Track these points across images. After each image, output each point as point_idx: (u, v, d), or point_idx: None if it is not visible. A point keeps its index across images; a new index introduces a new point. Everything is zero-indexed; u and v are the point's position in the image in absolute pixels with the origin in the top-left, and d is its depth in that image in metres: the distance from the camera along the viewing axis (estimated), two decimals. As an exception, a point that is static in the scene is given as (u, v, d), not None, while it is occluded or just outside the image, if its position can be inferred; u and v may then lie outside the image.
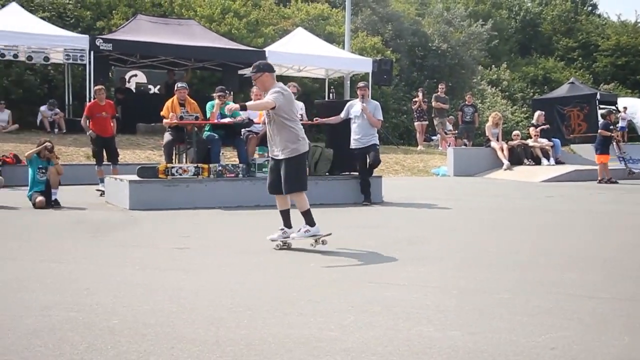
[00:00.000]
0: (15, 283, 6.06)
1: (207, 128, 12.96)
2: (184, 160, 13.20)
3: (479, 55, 38.20)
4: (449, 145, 24.13)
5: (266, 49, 23.61)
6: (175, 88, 13.47)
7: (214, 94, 13.20)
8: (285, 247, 7.99)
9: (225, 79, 23.19)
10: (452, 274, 6.62)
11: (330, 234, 7.91)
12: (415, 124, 25.91)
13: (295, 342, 4.35)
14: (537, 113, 23.48)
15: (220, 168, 12.33)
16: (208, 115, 12.94)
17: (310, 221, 7.84)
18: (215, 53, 22.99)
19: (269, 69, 8.07)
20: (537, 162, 21.22)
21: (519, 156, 21.10)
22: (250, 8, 31.09)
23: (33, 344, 4.28)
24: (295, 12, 33.22)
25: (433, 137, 27.76)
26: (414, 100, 26.12)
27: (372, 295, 5.63)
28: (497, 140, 21.39)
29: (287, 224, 8.04)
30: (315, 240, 7.86)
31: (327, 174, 13.26)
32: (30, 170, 12.27)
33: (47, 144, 12.30)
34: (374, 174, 13.29)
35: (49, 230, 9.54)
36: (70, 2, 26.84)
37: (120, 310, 5.12)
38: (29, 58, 21.18)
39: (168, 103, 13.14)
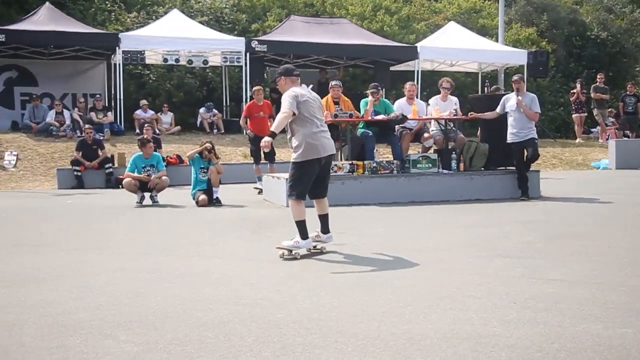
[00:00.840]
0: (184, 278, 6.37)
1: (361, 125, 13.06)
2: (339, 157, 13.36)
3: (643, 42, 36.45)
4: (608, 138, 23.22)
5: (418, 45, 23.57)
6: (330, 86, 13.65)
7: (368, 91, 13.28)
8: (318, 250, 7.72)
9: (378, 75, 23.29)
10: (618, 270, 6.38)
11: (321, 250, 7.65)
12: (574, 116, 25.09)
13: (458, 337, 4.35)
14: None
15: (374, 165, 12.41)
16: (362, 112, 13.04)
17: (303, 234, 7.37)
18: (367, 50, 23.14)
19: (286, 72, 7.70)
20: None
21: (689, 147, 20.01)
22: (402, 4, 31.07)
23: (205, 336, 4.50)
24: (446, 6, 32.88)
25: (592, 130, 26.77)
26: (571, 91, 25.31)
27: (534, 292, 5.52)
28: (663, 131, 20.39)
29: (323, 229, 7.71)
30: (290, 252, 7.33)
31: (482, 169, 13.09)
32: (192, 170, 12.81)
33: (207, 144, 12.79)
34: (531, 168, 12.99)
35: (212, 227, 9.92)
36: (227, 6, 27.72)
37: (284, 304, 5.28)
38: (189, 62, 22.17)
39: (323, 101, 13.30)
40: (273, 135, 7.17)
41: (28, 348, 4.31)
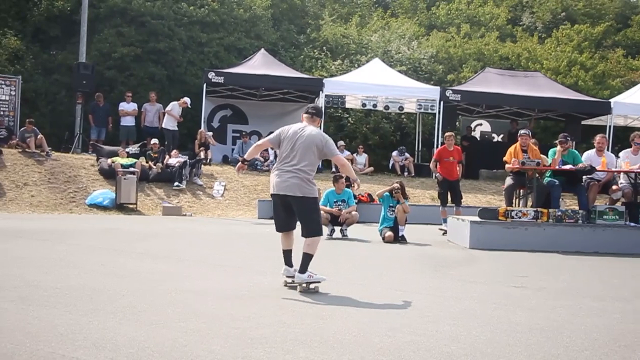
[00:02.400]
0: (366, 306, 6.38)
1: (548, 174, 12.63)
2: (524, 204, 12.96)
3: None
4: None
5: (612, 100, 22.55)
6: (518, 134, 13.32)
7: (556, 141, 12.84)
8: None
9: (569, 128, 22.45)
10: None
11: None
12: None
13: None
14: None
15: (559, 213, 11.93)
16: (549, 161, 12.62)
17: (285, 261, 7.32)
18: (559, 103, 22.38)
19: (305, 110, 7.57)
20: None
21: None
22: (597, 60, 29.95)
23: None
24: (644, 63, 31.37)
25: None
26: None
27: None
28: None
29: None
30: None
31: None
32: (382, 208, 12.86)
33: (396, 185, 12.79)
34: None
35: (396, 262, 9.88)
36: (425, 57, 27.89)
37: (459, 337, 5.14)
38: (386, 107, 22.44)
39: (511, 149, 13.01)
40: (244, 160, 7.50)
41: (217, 355, 4.45)
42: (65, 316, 5.36)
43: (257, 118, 24.00)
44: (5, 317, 5.23)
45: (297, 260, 7.08)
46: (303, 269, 6.98)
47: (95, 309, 5.67)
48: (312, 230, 7.07)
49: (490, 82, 22.70)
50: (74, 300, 5.98)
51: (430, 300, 6.83)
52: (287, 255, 7.27)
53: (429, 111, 22.33)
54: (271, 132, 7.73)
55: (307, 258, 7.01)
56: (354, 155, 22.26)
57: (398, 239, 12.38)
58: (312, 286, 7.00)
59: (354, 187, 7.72)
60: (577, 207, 12.70)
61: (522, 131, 13.44)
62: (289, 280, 7.23)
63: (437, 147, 18.26)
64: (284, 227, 7.29)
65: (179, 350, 4.51)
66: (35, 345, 4.49)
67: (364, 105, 22.40)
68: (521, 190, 13.09)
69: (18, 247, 9.77)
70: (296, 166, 7.01)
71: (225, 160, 21.92)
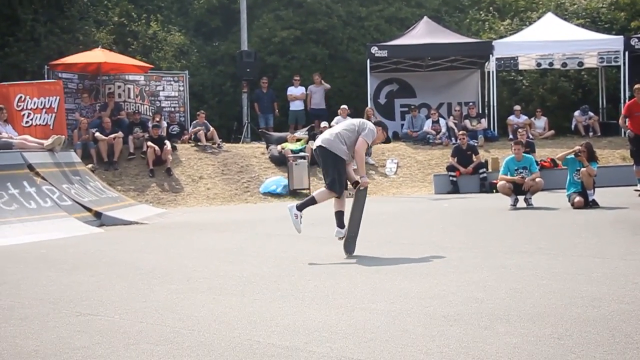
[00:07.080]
0: (564, 276, 6.19)
1: None
2: None
3: None
4: None
5: None
6: None
7: None
8: None
9: None
10: None
11: None
12: None
13: None
14: None
15: None
16: None
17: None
18: None
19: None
20: None
21: None
22: None
23: (586, 332, 4.35)
24: None
25: None
26: None
27: None
28: None
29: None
30: None
31: None
32: (568, 172, 12.41)
33: (577, 147, 12.27)
34: None
35: (589, 228, 9.52)
36: (604, 5, 26.51)
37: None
38: (564, 65, 21.66)
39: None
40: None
41: (411, 334, 4.46)
42: (255, 303, 5.55)
43: (425, 90, 23.71)
44: (199, 307, 5.48)
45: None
46: (301, 206, 7.96)
47: (282, 295, 5.83)
48: (328, 182, 7.95)
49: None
50: (260, 287, 6.18)
51: (635, 266, 6.54)
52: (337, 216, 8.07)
53: (613, 64, 21.37)
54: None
55: (309, 200, 8.07)
56: (532, 119, 21.58)
57: (589, 204, 11.91)
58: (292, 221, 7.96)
59: (358, 186, 8.02)
60: None
61: None
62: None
63: (625, 102, 17.37)
64: None
65: (372, 331, 4.56)
66: (231, 333, 4.67)
67: (538, 64, 21.73)
68: None
69: (200, 239, 10.24)
70: (335, 131, 8.06)
71: (396, 137, 21.83)
